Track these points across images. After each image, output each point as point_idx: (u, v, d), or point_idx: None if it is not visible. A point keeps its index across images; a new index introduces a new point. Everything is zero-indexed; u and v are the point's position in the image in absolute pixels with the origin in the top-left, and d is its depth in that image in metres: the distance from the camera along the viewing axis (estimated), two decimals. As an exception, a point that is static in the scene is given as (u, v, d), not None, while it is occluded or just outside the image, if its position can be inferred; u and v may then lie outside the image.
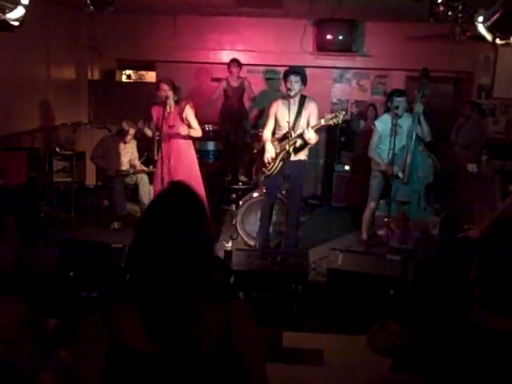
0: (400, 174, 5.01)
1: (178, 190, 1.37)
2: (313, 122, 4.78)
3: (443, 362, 1.18)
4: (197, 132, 5.11)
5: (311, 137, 4.67)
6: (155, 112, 5.11)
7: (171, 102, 4.97)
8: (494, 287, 1.21)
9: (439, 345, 1.21)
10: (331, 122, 4.68)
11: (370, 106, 7.46)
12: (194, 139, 5.30)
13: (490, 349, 1.17)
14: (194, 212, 1.32)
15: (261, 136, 5.22)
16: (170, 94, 4.96)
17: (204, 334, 1.25)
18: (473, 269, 1.26)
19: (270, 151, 4.91)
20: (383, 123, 5.16)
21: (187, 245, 1.26)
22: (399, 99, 5.02)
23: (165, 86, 4.94)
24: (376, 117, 7.24)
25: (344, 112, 4.78)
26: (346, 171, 7.19)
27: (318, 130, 4.79)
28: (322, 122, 4.68)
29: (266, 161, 4.93)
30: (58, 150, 6.48)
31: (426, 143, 5.17)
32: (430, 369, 1.18)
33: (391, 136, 4.80)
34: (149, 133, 5.37)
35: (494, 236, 1.25)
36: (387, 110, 5.28)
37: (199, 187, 5.02)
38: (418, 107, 4.96)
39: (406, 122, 5.06)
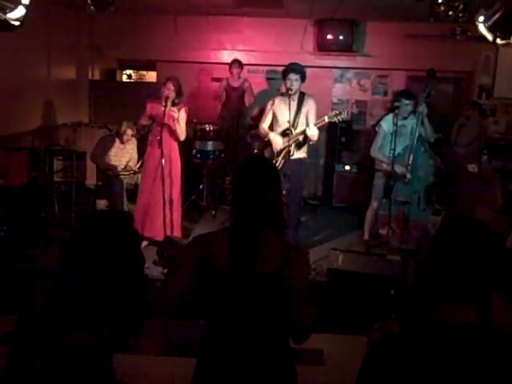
0: (408, 175, 4.99)
1: (259, 159, 2.29)
2: (311, 119, 4.77)
3: (410, 358, 1.23)
4: (182, 133, 5.11)
5: (314, 133, 4.67)
6: (149, 108, 5.09)
7: (169, 102, 4.92)
8: (444, 278, 1.29)
9: (404, 343, 1.28)
10: (335, 119, 4.70)
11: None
12: (177, 139, 5.23)
13: (449, 342, 1.23)
14: (274, 170, 2.00)
15: (260, 136, 5.21)
16: (172, 95, 4.94)
17: (266, 258, 1.73)
18: (425, 264, 1.36)
19: (278, 142, 4.84)
20: (389, 123, 5.14)
21: (269, 190, 1.83)
22: (407, 102, 5.02)
23: (171, 86, 4.94)
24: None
25: (347, 110, 4.79)
26: (347, 171, 7.19)
27: (319, 129, 4.79)
28: (326, 119, 4.69)
29: (276, 151, 4.87)
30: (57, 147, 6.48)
31: (429, 143, 5.17)
32: (399, 367, 1.24)
33: (392, 135, 4.80)
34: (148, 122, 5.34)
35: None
36: (392, 110, 5.27)
37: (178, 183, 5.20)
38: (423, 108, 4.96)
39: (410, 122, 5.07)
